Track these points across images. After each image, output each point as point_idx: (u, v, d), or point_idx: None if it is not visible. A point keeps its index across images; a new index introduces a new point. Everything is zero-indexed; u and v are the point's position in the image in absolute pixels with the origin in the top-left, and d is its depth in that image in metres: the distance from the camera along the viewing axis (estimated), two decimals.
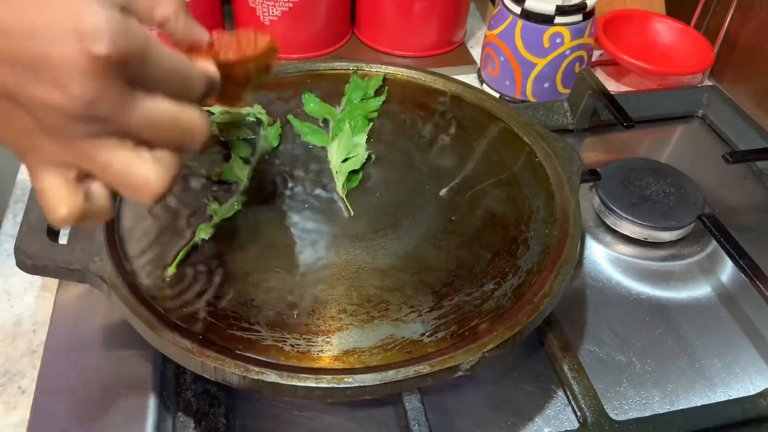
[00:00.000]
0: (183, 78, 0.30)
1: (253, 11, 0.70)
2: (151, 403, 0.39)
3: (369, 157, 0.50)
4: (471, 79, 0.73)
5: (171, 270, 0.41)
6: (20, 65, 0.25)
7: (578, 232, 0.43)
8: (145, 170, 0.28)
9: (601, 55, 0.77)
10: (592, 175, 0.51)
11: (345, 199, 0.46)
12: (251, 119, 0.51)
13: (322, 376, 0.35)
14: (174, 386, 0.40)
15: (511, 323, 0.38)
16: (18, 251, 0.40)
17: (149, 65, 0.27)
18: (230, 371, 0.35)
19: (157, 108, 0.28)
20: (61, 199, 0.28)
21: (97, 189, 0.30)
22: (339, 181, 0.47)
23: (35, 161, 0.28)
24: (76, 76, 0.24)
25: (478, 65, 0.75)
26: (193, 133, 0.30)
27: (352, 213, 0.46)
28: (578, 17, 0.62)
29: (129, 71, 0.26)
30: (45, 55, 0.24)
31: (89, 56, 0.24)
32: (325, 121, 0.53)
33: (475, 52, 0.77)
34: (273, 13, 0.69)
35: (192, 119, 0.30)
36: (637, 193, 0.53)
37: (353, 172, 0.48)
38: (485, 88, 0.71)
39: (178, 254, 0.41)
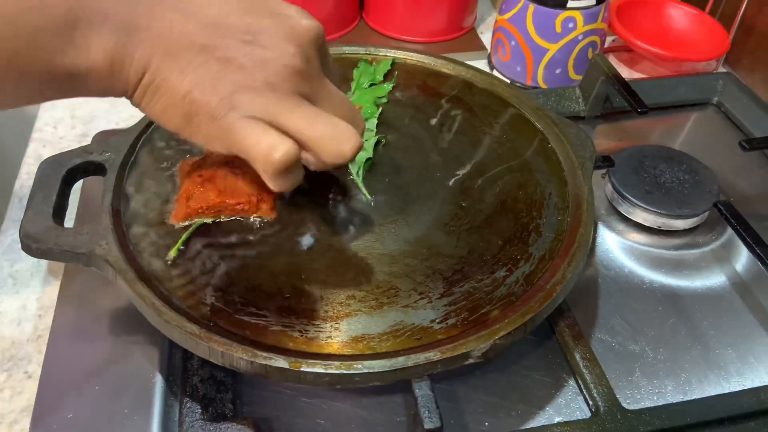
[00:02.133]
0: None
1: None
2: (158, 388, 0.39)
3: (378, 142, 0.49)
4: (481, 65, 0.72)
5: (173, 253, 0.40)
6: (271, 16, 0.34)
7: (591, 218, 0.43)
8: (344, 127, 0.34)
9: (613, 41, 0.76)
10: (605, 161, 0.50)
11: (362, 184, 0.46)
12: None
13: (331, 362, 0.34)
14: (181, 372, 0.40)
15: (523, 310, 0.37)
16: (23, 235, 0.40)
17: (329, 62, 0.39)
18: (238, 356, 0.34)
19: (337, 90, 0.37)
20: (276, 142, 0.33)
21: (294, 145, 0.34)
22: (354, 167, 0.46)
23: (237, 117, 0.33)
24: (307, 43, 0.35)
25: (488, 51, 0.74)
26: (358, 124, 0.38)
27: (370, 198, 0.45)
28: (592, 1, 0.61)
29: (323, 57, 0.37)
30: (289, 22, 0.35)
31: (316, 32, 0.35)
32: None
33: (485, 38, 0.76)
34: None
35: (356, 113, 0.39)
36: (651, 180, 0.52)
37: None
38: (495, 74, 0.70)
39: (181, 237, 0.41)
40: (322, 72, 0.36)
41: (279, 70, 0.33)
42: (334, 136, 0.34)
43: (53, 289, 0.46)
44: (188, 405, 0.38)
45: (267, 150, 0.32)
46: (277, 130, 0.33)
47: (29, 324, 0.45)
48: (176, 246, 0.41)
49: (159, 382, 0.39)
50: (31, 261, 0.49)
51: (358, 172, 0.46)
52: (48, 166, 0.44)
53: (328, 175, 0.46)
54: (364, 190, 0.45)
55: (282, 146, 0.32)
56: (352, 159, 0.35)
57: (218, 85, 0.32)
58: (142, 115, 0.49)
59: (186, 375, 0.39)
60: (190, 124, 0.33)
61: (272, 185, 0.35)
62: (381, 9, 0.74)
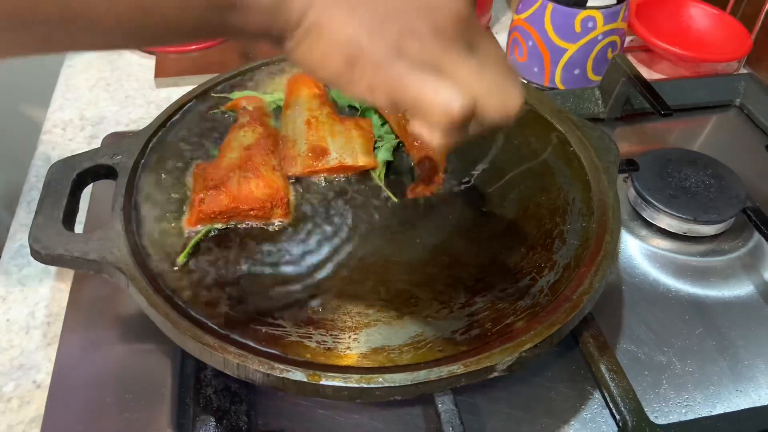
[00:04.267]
0: None
1: None
2: (170, 399, 0.38)
3: (399, 145, 0.47)
4: None
5: (181, 258, 0.39)
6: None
7: (618, 225, 0.41)
8: (510, 82, 0.32)
9: (631, 40, 0.74)
10: (629, 165, 0.48)
11: (385, 187, 0.44)
12: (274, 106, 0.49)
13: (351, 375, 0.33)
14: (194, 382, 0.38)
15: (549, 321, 0.36)
16: (32, 241, 0.39)
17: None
18: (254, 368, 0.33)
19: (492, 42, 0.33)
20: (455, 93, 0.29)
21: None
22: (375, 170, 0.45)
23: (405, 66, 0.29)
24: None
25: (504, 51, 0.72)
26: (518, 81, 0.33)
27: (396, 200, 0.44)
28: (612, 0, 0.60)
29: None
30: None
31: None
32: (351, 108, 0.51)
33: (500, 38, 0.74)
34: None
35: (513, 68, 0.34)
36: (676, 184, 0.51)
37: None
38: None
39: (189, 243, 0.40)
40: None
41: (446, 15, 0.30)
42: (501, 92, 0.31)
43: (62, 296, 0.45)
44: (201, 417, 0.37)
45: (446, 101, 0.29)
46: (450, 80, 0.30)
47: (38, 332, 0.44)
48: (185, 251, 0.39)
49: (171, 393, 0.38)
50: (39, 266, 0.47)
51: (379, 175, 0.45)
52: (57, 169, 0.43)
53: (346, 179, 0.45)
54: (388, 192, 0.44)
55: (462, 97, 0.29)
56: (515, 118, 0.32)
57: (385, 30, 0.29)
58: (153, 117, 0.48)
59: (199, 386, 0.38)
60: (352, 72, 0.30)
61: (442, 140, 0.31)
62: None
